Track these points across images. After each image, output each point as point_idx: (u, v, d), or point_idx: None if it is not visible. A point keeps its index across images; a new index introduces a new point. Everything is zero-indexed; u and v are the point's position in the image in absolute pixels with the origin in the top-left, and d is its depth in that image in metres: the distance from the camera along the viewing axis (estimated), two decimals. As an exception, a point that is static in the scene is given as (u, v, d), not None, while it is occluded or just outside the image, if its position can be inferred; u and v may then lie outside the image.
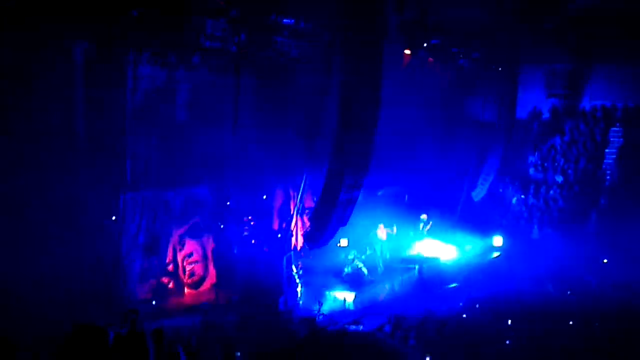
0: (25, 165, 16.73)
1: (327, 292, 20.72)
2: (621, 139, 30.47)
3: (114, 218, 18.43)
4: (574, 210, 28.54)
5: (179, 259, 21.20)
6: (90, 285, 17.33)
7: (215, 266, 21.90)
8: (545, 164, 30.72)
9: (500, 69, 29.63)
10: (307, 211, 21.91)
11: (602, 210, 28.18)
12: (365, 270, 22.53)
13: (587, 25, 30.32)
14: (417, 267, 24.36)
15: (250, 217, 23.12)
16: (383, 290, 22.23)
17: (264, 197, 24.30)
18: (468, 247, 26.82)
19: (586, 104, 32.84)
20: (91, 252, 17.70)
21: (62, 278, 16.69)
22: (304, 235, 19.50)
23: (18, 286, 16.07)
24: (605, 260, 23.91)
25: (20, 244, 16.47)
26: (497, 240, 27.72)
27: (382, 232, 24.45)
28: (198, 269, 21.76)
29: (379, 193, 27.54)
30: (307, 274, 20.53)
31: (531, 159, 31.30)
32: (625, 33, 30.34)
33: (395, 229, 25.14)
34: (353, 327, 16.43)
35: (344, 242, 22.93)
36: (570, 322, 16.41)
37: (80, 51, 17.41)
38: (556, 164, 30.57)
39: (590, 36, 31.09)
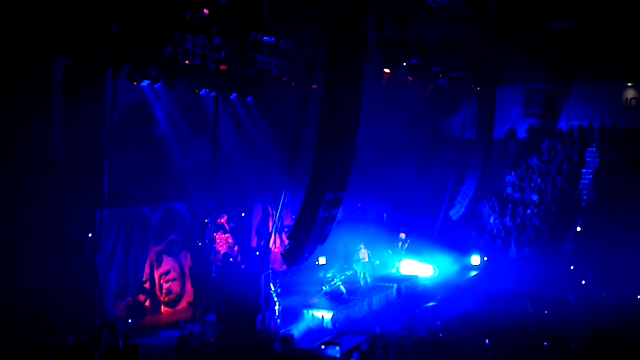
0: (1, 180, 16.54)
1: (305, 311, 20.62)
2: (597, 159, 30.76)
3: (90, 234, 18.24)
4: (550, 229, 28.68)
5: (156, 276, 21.04)
6: (65, 302, 17.13)
7: (193, 284, 21.77)
8: (522, 184, 30.91)
9: (478, 88, 29.83)
10: (286, 229, 21.84)
11: (578, 229, 28.34)
12: (343, 288, 22.46)
13: (565, 46, 30.71)
14: (395, 285, 24.34)
15: (229, 235, 23.03)
16: (361, 308, 22.17)
17: (243, 214, 24.25)
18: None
19: (563, 124, 33.23)
20: (67, 268, 17.50)
21: (37, 295, 16.48)
22: (283, 253, 19.40)
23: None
24: (583, 282, 24.00)
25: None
26: (475, 259, 27.80)
27: (363, 253, 24.37)
28: (175, 286, 21.61)
29: (359, 205, 27.53)
30: (286, 292, 20.41)
31: (508, 178, 31.48)
32: (601, 55, 30.78)
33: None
34: (330, 349, 16.26)
35: (322, 261, 22.85)
36: (545, 343, 16.38)
37: (59, 67, 17.29)
38: (533, 183, 30.76)
39: (567, 57, 31.50)
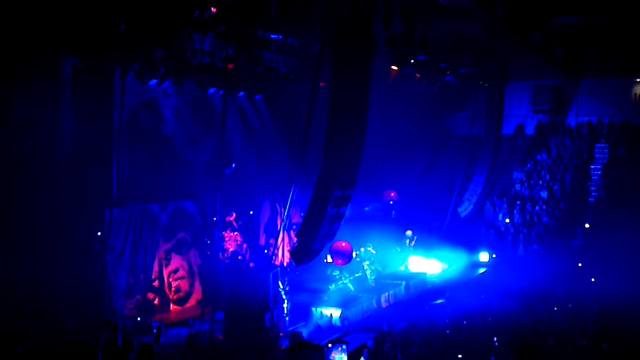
0: (11, 179, 16.58)
1: (313, 309, 20.62)
2: (606, 155, 30.65)
3: (99, 233, 18.30)
4: (559, 226, 28.62)
5: (165, 274, 21.10)
6: (75, 300, 17.17)
7: (202, 282, 21.82)
8: (531, 180, 30.83)
9: (486, 84, 29.74)
10: (294, 226, 21.84)
11: (587, 226, 28.25)
12: (351, 286, 22.46)
13: (573, 41, 30.61)
14: (403, 283, 24.32)
15: (237, 233, 23.06)
16: (369, 306, 22.16)
17: (251, 212, 24.27)
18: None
19: (572, 120, 33.11)
20: (76, 267, 17.54)
21: (46, 293, 16.53)
22: (291, 251, 19.41)
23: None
24: (592, 279, 23.93)
25: (3, 259, 16.30)
26: (483, 256, 27.75)
27: (369, 249, 24.33)
28: (184, 284, 21.67)
29: (367, 209, 27.53)
30: (294, 290, 20.42)
31: (517, 174, 31.40)
32: (610, 49, 30.66)
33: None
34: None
35: (330, 258, 22.83)
36: (552, 342, 16.33)
37: (68, 65, 17.32)
38: (542, 180, 30.68)
39: (576, 52, 31.40)
